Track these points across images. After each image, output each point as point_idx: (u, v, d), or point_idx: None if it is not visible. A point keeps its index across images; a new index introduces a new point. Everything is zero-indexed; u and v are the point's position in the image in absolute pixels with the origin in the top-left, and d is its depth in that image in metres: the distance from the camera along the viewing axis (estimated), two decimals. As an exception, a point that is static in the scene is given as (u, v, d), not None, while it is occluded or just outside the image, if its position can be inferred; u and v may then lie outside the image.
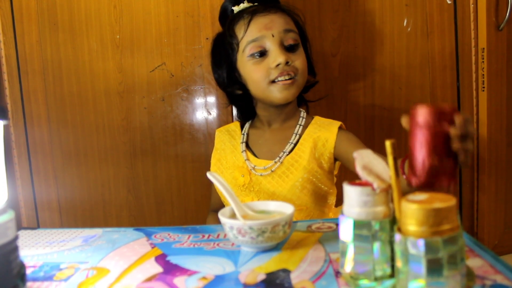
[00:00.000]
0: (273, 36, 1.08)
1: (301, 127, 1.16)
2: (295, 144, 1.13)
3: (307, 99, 1.27)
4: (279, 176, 1.10)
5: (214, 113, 1.58)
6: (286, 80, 1.08)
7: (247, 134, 1.21)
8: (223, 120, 1.56)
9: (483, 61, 1.57)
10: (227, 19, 1.19)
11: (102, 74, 1.57)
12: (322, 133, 1.12)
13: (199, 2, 1.53)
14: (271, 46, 1.09)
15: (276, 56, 1.07)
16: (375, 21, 1.58)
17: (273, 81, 1.09)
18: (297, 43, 1.12)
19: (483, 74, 1.58)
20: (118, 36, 1.56)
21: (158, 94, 1.57)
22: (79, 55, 1.57)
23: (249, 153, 1.16)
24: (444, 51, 1.59)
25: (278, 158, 1.11)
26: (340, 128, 1.13)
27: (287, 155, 1.11)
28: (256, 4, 1.16)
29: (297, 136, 1.14)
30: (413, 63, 1.60)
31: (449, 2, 1.57)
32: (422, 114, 0.60)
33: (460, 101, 1.62)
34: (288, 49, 1.10)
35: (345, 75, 1.58)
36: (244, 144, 1.18)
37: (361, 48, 1.58)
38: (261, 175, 1.11)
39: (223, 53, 1.17)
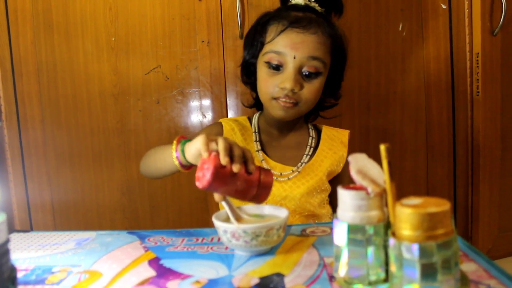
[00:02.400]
0: (294, 58, 1.03)
1: (313, 139, 1.15)
2: (311, 156, 1.13)
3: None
4: (293, 183, 1.09)
5: (209, 116, 1.58)
6: (287, 103, 1.04)
7: (259, 133, 1.16)
8: (218, 123, 1.55)
9: (477, 66, 1.58)
10: (286, 3, 1.13)
11: (97, 76, 1.57)
12: (337, 149, 1.15)
13: (195, 5, 1.53)
14: (288, 66, 1.03)
15: (286, 80, 1.03)
16: (371, 26, 1.58)
17: (275, 98, 1.06)
18: (317, 71, 1.05)
19: (477, 79, 1.59)
20: (113, 38, 1.55)
21: (153, 97, 1.57)
22: (74, 57, 1.57)
23: (264, 154, 1.12)
24: (439, 55, 1.60)
25: (296, 167, 1.10)
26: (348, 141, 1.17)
27: (305, 164, 1.11)
28: (311, 4, 1.10)
29: (312, 148, 1.14)
30: (408, 68, 1.60)
31: (444, 7, 1.58)
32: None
33: (455, 105, 1.62)
34: (305, 75, 1.04)
35: (341, 79, 1.58)
36: (258, 143, 1.13)
37: (357, 52, 1.59)
38: (276, 179, 1.08)
39: (252, 40, 1.12)
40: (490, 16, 1.58)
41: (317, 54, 1.04)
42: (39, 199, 1.62)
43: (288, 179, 1.09)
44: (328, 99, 1.19)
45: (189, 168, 0.93)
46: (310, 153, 1.13)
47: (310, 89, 1.05)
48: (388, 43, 1.59)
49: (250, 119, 1.19)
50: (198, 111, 1.57)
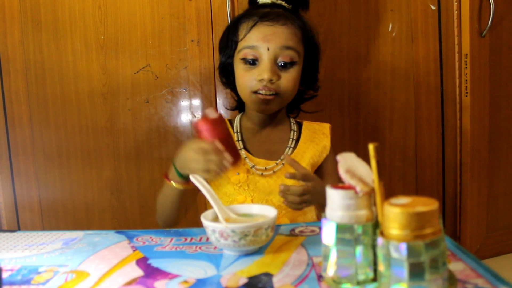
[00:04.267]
0: (268, 49, 1.06)
1: (295, 132, 1.17)
2: (294, 148, 1.15)
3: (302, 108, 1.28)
4: (278, 176, 1.10)
5: (198, 115, 1.57)
6: (266, 95, 1.07)
7: (241, 133, 1.18)
8: (208, 122, 1.55)
9: (466, 67, 1.59)
10: (254, 4, 1.17)
11: (86, 75, 1.55)
12: (320, 140, 1.17)
13: (184, 4, 1.52)
14: (263, 58, 1.07)
15: (262, 71, 1.06)
16: (361, 26, 1.59)
17: (255, 92, 1.08)
18: (292, 61, 1.08)
19: (466, 80, 1.60)
20: (102, 37, 1.54)
21: (143, 96, 1.56)
22: (62, 56, 1.55)
23: (246, 152, 1.14)
24: (428, 56, 1.61)
25: (280, 160, 1.12)
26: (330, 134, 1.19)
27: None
28: (278, 2, 1.14)
29: (294, 141, 1.16)
30: (397, 68, 1.61)
31: (433, 8, 1.59)
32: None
33: (444, 106, 1.63)
34: (281, 66, 1.08)
35: (330, 79, 1.59)
36: (240, 142, 1.15)
37: (346, 53, 1.59)
38: (261, 174, 1.10)
39: (226, 42, 1.16)
40: (479, 18, 1.59)
41: (290, 44, 1.08)
42: (27, 198, 1.60)
43: (273, 172, 1.11)
44: (308, 91, 1.22)
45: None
46: (292, 146, 1.15)
47: (288, 78, 1.09)
48: (378, 43, 1.60)
49: (231, 122, 1.22)
50: (188, 111, 1.57)
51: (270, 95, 1.07)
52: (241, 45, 1.10)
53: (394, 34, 1.59)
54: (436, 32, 1.60)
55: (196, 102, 1.56)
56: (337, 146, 1.16)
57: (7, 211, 1.60)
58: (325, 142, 1.17)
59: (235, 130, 1.18)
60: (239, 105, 1.25)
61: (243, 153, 1.13)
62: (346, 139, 1.61)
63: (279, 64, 1.08)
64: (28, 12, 1.53)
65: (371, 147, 0.55)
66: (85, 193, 1.61)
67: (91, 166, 1.60)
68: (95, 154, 1.59)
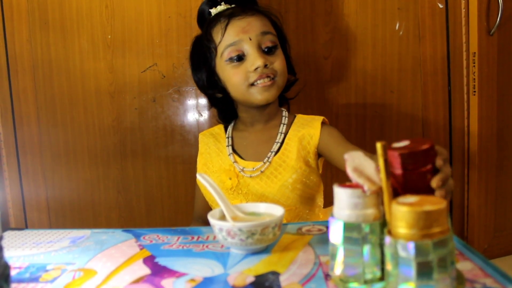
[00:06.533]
0: (250, 39, 1.08)
1: (285, 126, 1.16)
2: (281, 144, 1.13)
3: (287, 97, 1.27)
4: (268, 177, 1.09)
5: (205, 114, 1.57)
6: (265, 82, 1.08)
7: (232, 137, 1.19)
8: (214, 122, 1.54)
9: (474, 65, 1.58)
10: (205, 22, 1.18)
11: (93, 74, 1.56)
12: (306, 130, 1.13)
13: (191, 3, 1.52)
14: (249, 49, 1.08)
15: (254, 60, 1.07)
16: (368, 25, 1.58)
17: (252, 84, 1.09)
18: (275, 44, 1.12)
19: (474, 78, 1.59)
20: (109, 36, 1.54)
21: (149, 95, 1.56)
22: (70, 55, 1.56)
23: (235, 156, 1.15)
24: (435, 55, 1.60)
25: (266, 158, 1.11)
26: (323, 123, 1.14)
27: (275, 155, 1.11)
28: (233, 6, 1.15)
29: (282, 135, 1.14)
30: (405, 67, 1.60)
31: (441, 6, 1.58)
32: (398, 157, 0.56)
33: (451, 104, 1.62)
34: (266, 51, 1.10)
35: (337, 78, 1.58)
36: (230, 147, 1.17)
37: (353, 51, 1.59)
38: (250, 176, 1.10)
39: (201, 56, 1.17)
40: (487, 16, 1.58)
41: (266, 29, 1.11)
42: (35, 197, 1.61)
43: (261, 172, 1.10)
44: (289, 76, 1.20)
45: None
46: (280, 140, 1.14)
47: (278, 60, 1.11)
48: (385, 42, 1.59)
49: (226, 127, 1.24)
50: (195, 110, 1.57)
51: (269, 80, 1.08)
52: (221, 47, 1.11)
53: (401, 33, 1.59)
54: (444, 30, 1.59)
55: (203, 101, 1.56)
56: (321, 127, 1.14)
57: (15, 210, 1.61)
58: (312, 131, 1.12)
59: (227, 135, 1.20)
60: (229, 117, 1.24)
61: (232, 157, 1.15)
62: (353, 138, 1.60)
63: (264, 50, 1.10)
64: (36, 11, 1.54)
65: (379, 145, 0.55)
66: (92, 191, 1.61)
67: (98, 165, 1.60)
68: (102, 152, 1.60)
